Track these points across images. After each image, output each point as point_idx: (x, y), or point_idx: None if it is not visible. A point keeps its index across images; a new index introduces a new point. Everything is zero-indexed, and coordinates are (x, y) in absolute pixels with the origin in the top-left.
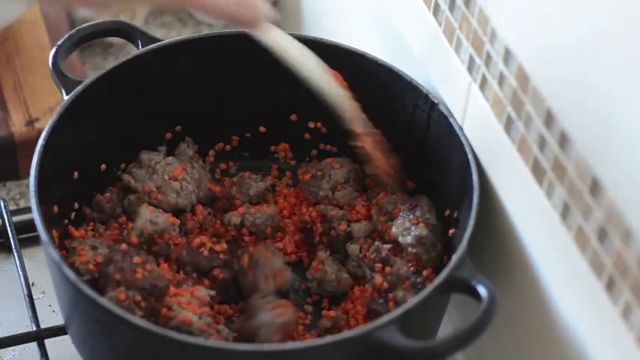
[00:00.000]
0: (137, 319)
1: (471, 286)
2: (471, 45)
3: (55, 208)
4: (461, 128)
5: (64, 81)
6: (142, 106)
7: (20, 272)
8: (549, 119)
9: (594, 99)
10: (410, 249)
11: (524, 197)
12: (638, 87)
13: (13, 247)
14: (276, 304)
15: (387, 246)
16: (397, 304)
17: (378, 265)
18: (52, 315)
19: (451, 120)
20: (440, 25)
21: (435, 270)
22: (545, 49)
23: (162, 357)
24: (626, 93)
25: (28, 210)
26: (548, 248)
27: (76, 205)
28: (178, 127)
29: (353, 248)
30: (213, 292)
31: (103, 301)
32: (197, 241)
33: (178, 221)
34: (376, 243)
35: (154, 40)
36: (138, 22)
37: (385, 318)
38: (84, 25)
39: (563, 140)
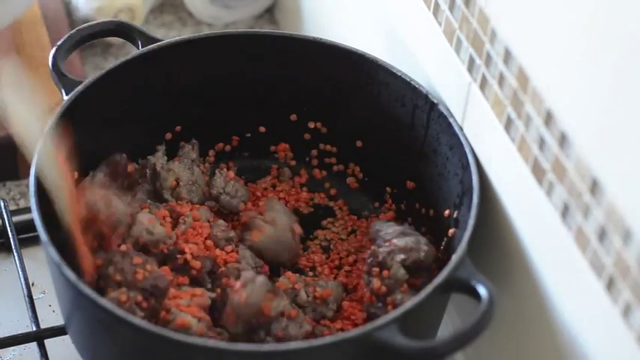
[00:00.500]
0: (138, 320)
1: (470, 286)
2: (471, 45)
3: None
4: (461, 128)
5: (64, 81)
6: (141, 106)
7: (20, 272)
8: (549, 119)
9: (594, 99)
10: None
11: (524, 197)
12: (638, 86)
13: (13, 247)
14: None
15: (384, 250)
16: (395, 307)
17: (375, 269)
18: (52, 315)
19: (451, 120)
20: (440, 25)
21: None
22: (545, 49)
23: (163, 357)
24: (626, 93)
25: (28, 210)
26: (548, 248)
27: None
28: (178, 127)
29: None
30: (214, 295)
31: (104, 301)
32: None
33: (174, 232)
34: (372, 247)
35: (154, 40)
36: (138, 22)
37: (385, 318)
38: (84, 25)
39: (563, 140)
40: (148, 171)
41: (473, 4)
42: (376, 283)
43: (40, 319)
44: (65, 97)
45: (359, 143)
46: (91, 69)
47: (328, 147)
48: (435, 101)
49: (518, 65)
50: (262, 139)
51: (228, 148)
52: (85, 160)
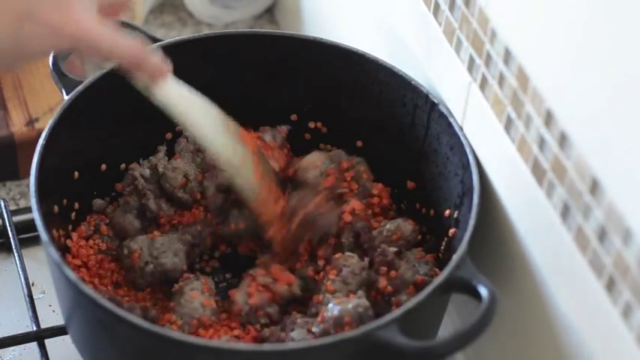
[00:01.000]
0: (138, 320)
1: (471, 286)
2: (471, 45)
3: (55, 208)
4: (461, 128)
5: (64, 81)
6: (141, 106)
7: (20, 272)
8: (549, 119)
9: (594, 99)
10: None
11: (524, 197)
12: (638, 86)
13: (13, 247)
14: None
15: (393, 249)
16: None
17: (383, 269)
18: (52, 315)
19: (451, 120)
20: (440, 25)
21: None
22: (545, 49)
23: (163, 357)
24: (626, 93)
25: (28, 210)
26: (548, 248)
27: (77, 205)
28: (178, 127)
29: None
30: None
31: (104, 301)
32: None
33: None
34: (382, 246)
35: (154, 40)
36: (138, 22)
37: (385, 318)
38: None
39: (563, 140)
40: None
41: (473, 4)
42: (382, 282)
43: (40, 319)
44: (65, 97)
45: (359, 143)
46: (91, 69)
47: (328, 147)
48: (436, 101)
49: (518, 65)
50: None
51: None
52: (86, 160)
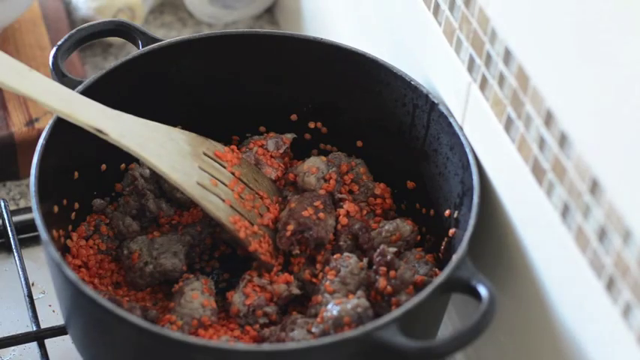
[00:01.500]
0: (138, 320)
1: (471, 286)
2: (471, 45)
3: (55, 208)
4: (461, 128)
5: (64, 81)
6: (141, 106)
7: (20, 272)
8: (549, 119)
9: (594, 99)
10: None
11: (524, 197)
12: (638, 86)
13: (13, 247)
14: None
15: (393, 249)
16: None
17: (383, 269)
18: (52, 315)
19: (451, 120)
20: (440, 25)
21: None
22: (545, 49)
23: (163, 357)
24: (626, 92)
25: (28, 210)
26: (548, 248)
27: (76, 205)
28: (178, 127)
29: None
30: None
31: (103, 301)
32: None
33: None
34: (382, 246)
35: (154, 40)
36: (138, 22)
37: (385, 318)
38: (84, 25)
39: (563, 140)
40: (138, 183)
41: (473, 4)
42: (382, 282)
43: (40, 319)
44: None
45: (359, 143)
46: (91, 69)
47: (328, 147)
48: (436, 101)
49: (518, 65)
50: None
51: None
52: (86, 160)
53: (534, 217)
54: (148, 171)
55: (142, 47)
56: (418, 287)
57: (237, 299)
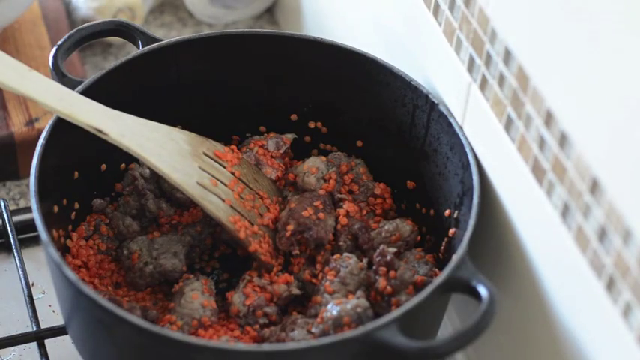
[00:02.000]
0: (138, 320)
1: (471, 286)
2: (471, 45)
3: (55, 208)
4: (461, 128)
5: (64, 81)
6: (141, 106)
7: (20, 272)
8: (549, 119)
9: (594, 99)
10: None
11: (524, 197)
12: (638, 86)
13: (13, 247)
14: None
15: (392, 249)
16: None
17: (383, 269)
18: (52, 315)
19: (451, 120)
20: (440, 25)
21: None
22: (545, 49)
23: (163, 357)
24: (626, 92)
25: (28, 210)
26: (548, 248)
27: (76, 205)
28: (178, 127)
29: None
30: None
31: (104, 301)
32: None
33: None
34: (382, 246)
35: (154, 40)
36: (138, 22)
37: (385, 318)
38: (84, 25)
39: (563, 140)
40: (138, 183)
41: (473, 4)
42: (382, 282)
43: (40, 319)
44: None
45: (359, 143)
46: (91, 69)
47: (328, 147)
48: (436, 101)
49: (518, 65)
50: None
51: None
52: (86, 160)
53: (534, 217)
54: (147, 171)
55: (142, 47)
56: (418, 287)
57: (237, 299)
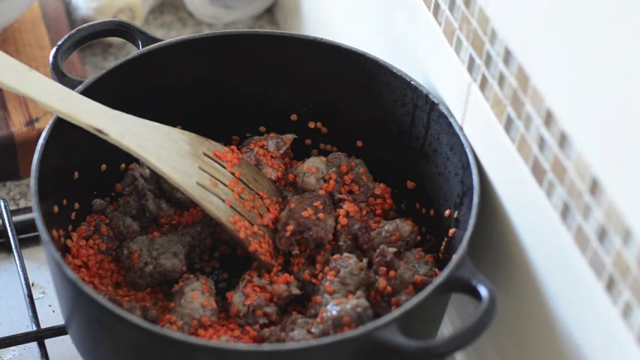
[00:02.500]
0: (138, 320)
1: (471, 286)
2: (471, 45)
3: (55, 208)
4: (461, 128)
5: (64, 81)
6: (141, 106)
7: (20, 272)
8: (549, 119)
9: (594, 99)
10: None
11: (524, 197)
12: (638, 87)
13: (13, 247)
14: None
15: (392, 249)
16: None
17: (382, 269)
18: (52, 315)
19: (451, 120)
20: (440, 25)
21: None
22: (545, 49)
23: (163, 357)
24: (626, 93)
25: (28, 210)
26: (548, 248)
27: (77, 205)
28: (178, 127)
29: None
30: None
31: (103, 301)
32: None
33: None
34: (382, 246)
35: (154, 40)
36: (138, 22)
37: (385, 318)
38: (84, 25)
39: (563, 140)
40: (138, 183)
41: (473, 4)
42: (382, 282)
43: (40, 319)
44: None
45: (359, 143)
46: (91, 69)
47: (328, 147)
48: (436, 101)
49: (518, 65)
50: None
51: None
52: (86, 160)
53: (534, 217)
54: (148, 171)
55: (142, 47)
56: (418, 287)
57: (237, 299)
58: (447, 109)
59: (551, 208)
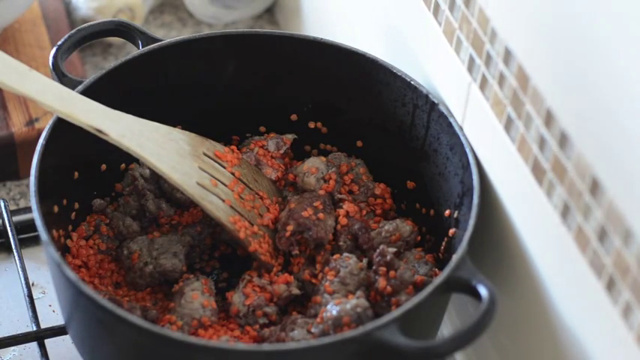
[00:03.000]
0: (138, 320)
1: (471, 286)
2: (471, 45)
3: (55, 208)
4: (461, 128)
5: (64, 81)
6: (141, 106)
7: (20, 272)
8: (549, 119)
9: (594, 99)
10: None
11: (524, 197)
12: (638, 87)
13: (13, 247)
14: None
15: (392, 249)
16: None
17: (382, 269)
18: (52, 315)
19: (451, 120)
20: (440, 25)
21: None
22: (545, 49)
23: (163, 357)
24: (626, 93)
25: (28, 210)
26: (548, 248)
27: (76, 205)
28: (178, 127)
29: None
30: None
31: (104, 301)
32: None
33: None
34: (382, 246)
35: (154, 40)
36: (138, 22)
37: (385, 318)
38: (84, 25)
39: (563, 140)
40: (138, 183)
41: (473, 4)
42: (382, 282)
43: (40, 319)
44: None
45: (359, 143)
46: (91, 69)
47: (328, 147)
48: (436, 101)
49: (518, 65)
50: None
51: None
52: (86, 160)
53: (534, 218)
54: (148, 171)
55: (142, 47)
56: (418, 287)
57: (237, 299)
58: (447, 109)
59: (551, 208)
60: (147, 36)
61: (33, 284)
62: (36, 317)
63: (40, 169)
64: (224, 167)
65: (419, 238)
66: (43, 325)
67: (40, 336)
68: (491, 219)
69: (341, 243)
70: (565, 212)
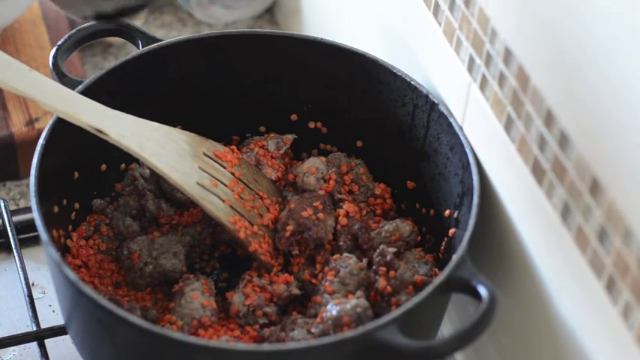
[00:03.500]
0: (138, 320)
1: (471, 286)
2: (471, 45)
3: (55, 208)
4: (461, 128)
5: (64, 81)
6: (141, 106)
7: (20, 272)
8: (549, 119)
9: (594, 99)
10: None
11: (524, 197)
12: (638, 87)
13: (13, 247)
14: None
15: (392, 249)
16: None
17: (382, 269)
18: (52, 315)
19: (451, 120)
20: (440, 25)
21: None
22: (545, 49)
23: (163, 357)
24: (626, 93)
25: (28, 210)
26: (548, 248)
27: (77, 205)
28: (178, 127)
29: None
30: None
31: (104, 301)
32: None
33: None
34: (382, 246)
35: (154, 40)
36: (138, 22)
37: (385, 318)
38: (84, 25)
39: (563, 140)
40: (138, 183)
41: (473, 4)
42: (382, 282)
43: (40, 319)
44: None
45: (359, 143)
46: (91, 69)
47: (328, 147)
48: (436, 101)
49: (518, 65)
50: None
51: None
52: (86, 160)
53: (534, 218)
54: (148, 171)
55: (142, 47)
56: (418, 287)
57: (237, 299)
58: (447, 109)
59: (551, 208)
60: (147, 36)
61: (33, 284)
62: (36, 317)
63: (40, 169)
64: (224, 167)
65: (419, 238)
66: (43, 325)
67: (40, 336)
68: (491, 219)
69: (341, 243)
70: (565, 212)
